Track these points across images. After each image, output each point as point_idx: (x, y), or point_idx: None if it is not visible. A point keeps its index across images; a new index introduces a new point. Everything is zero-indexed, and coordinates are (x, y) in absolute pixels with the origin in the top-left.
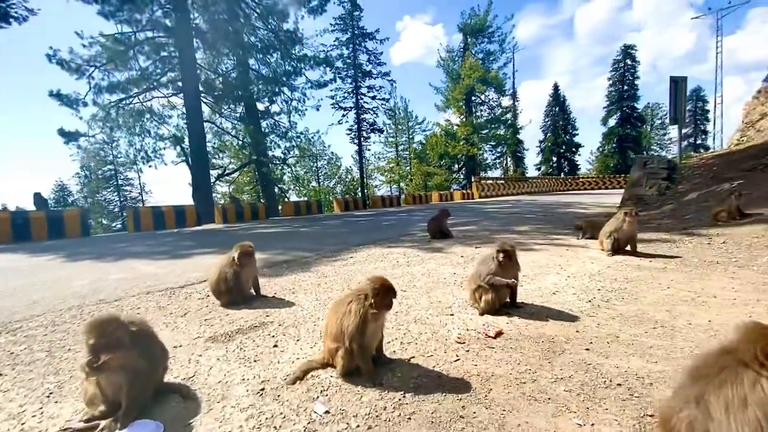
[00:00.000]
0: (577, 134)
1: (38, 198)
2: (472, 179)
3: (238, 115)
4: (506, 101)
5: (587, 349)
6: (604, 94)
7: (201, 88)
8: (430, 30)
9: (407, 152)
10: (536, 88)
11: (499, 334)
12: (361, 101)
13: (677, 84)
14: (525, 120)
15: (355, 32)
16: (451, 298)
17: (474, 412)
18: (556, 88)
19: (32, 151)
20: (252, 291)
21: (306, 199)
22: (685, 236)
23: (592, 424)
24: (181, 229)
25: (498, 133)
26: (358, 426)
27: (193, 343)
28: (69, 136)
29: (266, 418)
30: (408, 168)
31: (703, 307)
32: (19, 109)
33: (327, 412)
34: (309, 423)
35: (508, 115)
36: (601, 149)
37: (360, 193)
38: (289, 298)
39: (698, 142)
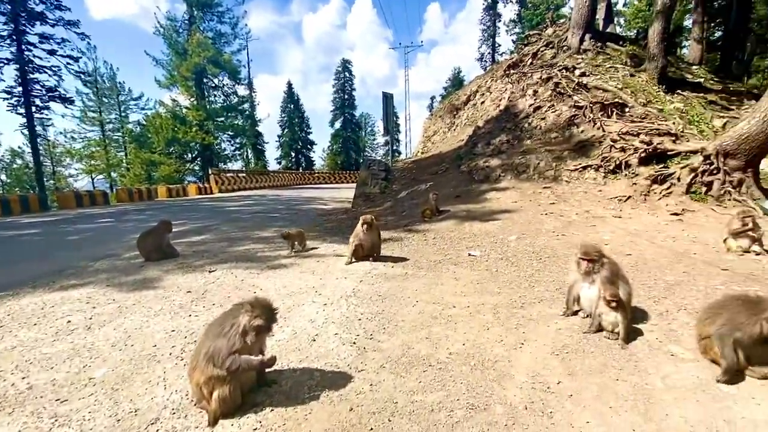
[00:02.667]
0: (311, 132)
1: None
2: (210, 171)
3: None
4: (242, 90)
5: None
6: (330, 100)
7: None
8: None
9: (120, 134)
10: (272, 82)
11: None
12: (29, 54)
13: (387, 99)
14: (263, 113)
15: None
16: (161, 393)
17: None
18: (290, 85)
19: None
20: None
21: None
22: (408, 233)
23: None
24: None
25: (236, 122)
26: None
27: None
28: None
29: None
30: (123, 154)
31: (450, 325)
32: None
33: None
34: None
35: (246, 105)
36: (330, 148)
37: (37, 188)
38: None
39: (393, 149)
